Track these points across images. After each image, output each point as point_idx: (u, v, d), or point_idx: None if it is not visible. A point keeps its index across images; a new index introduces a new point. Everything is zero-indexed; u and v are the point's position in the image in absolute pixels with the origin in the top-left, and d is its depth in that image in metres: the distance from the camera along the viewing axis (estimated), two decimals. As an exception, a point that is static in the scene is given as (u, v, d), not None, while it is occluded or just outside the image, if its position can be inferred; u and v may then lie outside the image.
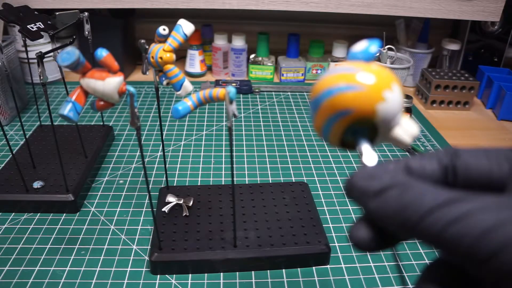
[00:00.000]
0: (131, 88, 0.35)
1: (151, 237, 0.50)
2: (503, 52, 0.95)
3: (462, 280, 0.18)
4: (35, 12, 0.54)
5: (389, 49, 0.87)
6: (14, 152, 0.60)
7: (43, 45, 0.85)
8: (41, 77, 0.47)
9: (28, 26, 0.50)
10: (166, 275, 0.46)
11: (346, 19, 1.02)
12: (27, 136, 0.60)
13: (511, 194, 0.17)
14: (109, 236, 0.50)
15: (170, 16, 0.85)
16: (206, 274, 0.46)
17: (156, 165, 0.65)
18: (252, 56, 0.97)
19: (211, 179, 0.62)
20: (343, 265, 0.47)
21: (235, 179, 0.42)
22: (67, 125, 0.69)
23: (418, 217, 0.16)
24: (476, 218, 0.14)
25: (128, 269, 0.46)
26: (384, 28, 0.91)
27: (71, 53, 0.31)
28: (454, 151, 0.19)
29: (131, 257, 0.48)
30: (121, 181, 0.61)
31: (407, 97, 0.76)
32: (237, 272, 0.46)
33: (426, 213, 0.15)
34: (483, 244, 0.14)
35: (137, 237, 0.51)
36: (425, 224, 0.15)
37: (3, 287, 0.43)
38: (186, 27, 0.41)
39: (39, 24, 0.52)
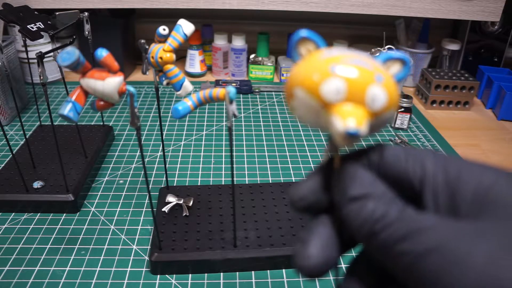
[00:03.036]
0: (131, 88, 0.35)
1: (151, 237, 0.50)
2: (503, 52, 0.95)
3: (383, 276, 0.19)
4: (35, 12, 0.54)
5: (389, 49, 0.87)
6: (14, 152, 0.60)
7: (43, 45, 0.85)
8: (41, 77, 0.47)
9: (28, 26, 0.50)
10: (166, 275, 0.46)
11: (346, 19, 1.02)
12: (27, 136, 0.60)
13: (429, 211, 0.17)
14: (109, 236, 0.50)
15: (170, 16, 0.85)
16: (206, 274, 0.46)
17: (156, 165, 0.65)
18: (252, 56, 0.97)
19: (211, 179, 0.62)
20: (343, 265, 0.47)
21: (235, 179, 0.42)
22: (67, 125, 0.69)
23: (372, 231, 0.17)
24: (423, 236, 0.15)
25: (128, 269, 0.46)
26: (384, 28, 0.91)
27: (71, 53, 0.31)
28: (380, 149, 0.19)
29: (131, 257, 0.48)
30: (121, 181, 0.61)
31: (407, 97, 0.76)
32: (237, 272, 0.46)
33: (383, 229, 0.16)
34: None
35: (137, 237, 0.51)
36: (378, 239, 0.16)
37: (3, 287, 0.43)
38: (186, 27, 0.41)
39: (39, 24, 0.52)
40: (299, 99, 0.18)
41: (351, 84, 0.17)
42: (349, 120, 0.17)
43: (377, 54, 0.85)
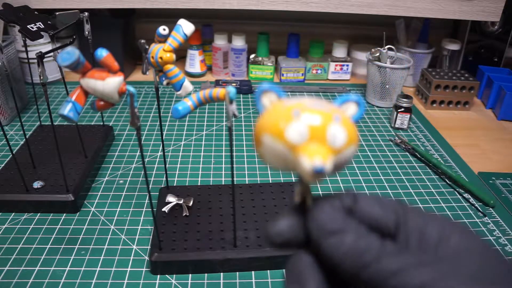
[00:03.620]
0: (131, 88, 0.35)
1: (151, 237, 0.50)
2: (503, 52, 0.95)
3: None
4: (35, 12, 0.54)
5: (389, 49, 0.87)
6: (14, 152, 0.60)
7: (43, 45, 0.85)
8: (41, 77, 0.47)
9: (28, 26, 0.50)
10: (166, 275, 0.46)
11: (346, 19, 1.02)
12: (27, 136, 0.60)
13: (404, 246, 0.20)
14: (109, 236, 0.50)
15: (170, 16, 0.85)
16: (206, 274, 0.46)
17: (156, 165, 0.65)
18: (252, 56, 0.97)
19: (211, 179, 0.62)
20: None
21: (235, 179, 0.42)
22: (67, 125, 0.69)
23: (364, 265, 0.18)
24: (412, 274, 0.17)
25: (128, 269, 0.46)
26: (384, 28, 0.91)
27: (71, 53, 0.31)
28: (353, 196, 0.21)
29: (131, 257, 0.48)
30: (121, 181, 0.61)
31: (407, 97, 0.76)
32: (237, 272, 0.46)
33: (372, 262, 0.18)
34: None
35: (137, 237, 0.51)
36: (370, 271, 0.18)
37: (3, 287, 0.43)
38: (186, 27, 0.41)
39: (39, 24, 0.52)
40: (267, 145, 0.20)
41: (313, 126, 0.19)
42: (315, 157, 0.18)
43: (377, 54, 0.85)
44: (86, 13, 0.55)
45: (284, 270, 0.21)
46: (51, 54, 0.49)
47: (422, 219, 0.20)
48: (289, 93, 0.91)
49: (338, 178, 0.63)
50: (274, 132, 0.20)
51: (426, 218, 0.21)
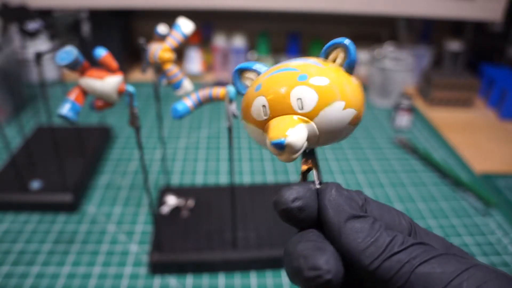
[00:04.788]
0: (131, 88, 0.35)
1: (151, 237, 0.49)
2: (505, 51, 0.94)
3: None
4: (34, 12, 0.54)
5: (390, 48, 0.87)
6: (13, 152, 0.60)
7: (42, 44, 0.85)
8: (40, 77, 0.46)
9: (26, 26, 0.50)
10: (166, 275, 0.45)
11: (347, 18, 1.02)
12: (26, 137, 0.60)
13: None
14: (109, 236, 0.50)
15: (170, 16, 0.85)
16: (206, 274, 0.46)
17: (156, 165, 0.64)
18: (251, 55, 0.97)
19: (211, 179, 0.62)
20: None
21: (235, 179, 0.42)
22: (66, 125, 0.69)
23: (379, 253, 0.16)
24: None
25: (128, 269, 0.46)
26: (385, 27, 0.91)
27: (70, 52, 0.31)
28: (364, 197, 0.19)
29: (131, 257, 0.47)
30: (121, 181, 0.60)
31: (408, 96, 0.76)
32: (237, 272, 0.46)
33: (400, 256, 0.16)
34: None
35: (137, 237, 0.50)
36: (394, 259, 0.16)
37: (3, 287, 0.43)
38: (185, 26, 0.41)
39: (38, 23, 0.52)
40: (247, 129, 0.19)
41: (272, 97, 0.17)
42: (273, 133, 0.16)
43: (378, 53, 0.85)
44: (86, 13, 0.55)
45: (284, 253, 0.18)
46: (50, 53, 0.49)
47: (427, 237, 0.19)
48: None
49: (338, 177, 0.62)
50: (244, 115, 0.18)
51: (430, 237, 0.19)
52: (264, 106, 0.17)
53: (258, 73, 0.19)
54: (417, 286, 0.16)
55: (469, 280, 0.15)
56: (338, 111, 0.17)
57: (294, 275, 0.17)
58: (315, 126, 0.17)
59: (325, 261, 0.16)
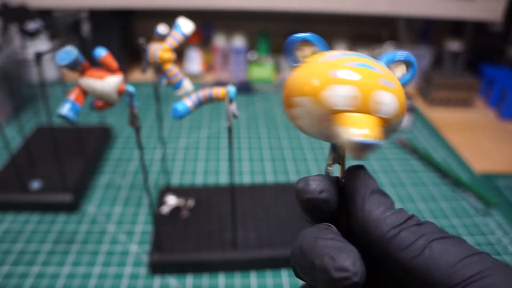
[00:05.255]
0: (131, 88, 0.35)
1: (151, 237, 0.49)
2: (505, 51, 0.95)
3: None
4: (34, 12, 0.54)
5: (390, 48, 0.87)
6: (13, 152, 0.60)
7: (42, 44, 0.85)
8: (40, 77, 0.46)
9: (26, 26, 0.50)
10: (166, 275, 0.45)
11: (347, 18, 1.02)
12: (26, 137, 0.60)
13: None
14: (109, 236, 0.50)
15: (170, 16, 0.85)
16: (206, 274, 0.46)
17: (156, 165, 0.64)
18: (251, 55, 0.97)
19: (211, 179, 0.62)
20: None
21: (235, 179, 0.42)
22: (66, 125, 0.69)
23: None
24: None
25: (128, 269, 0.46)
26: (385, 27, 0.91)
27: (70, 52, 0.31)
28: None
29: (131, 257, 0.47)
30: (121, 181, 0.60)
31: (408, 96, 0.76)
32: (237, 272, 0.46)
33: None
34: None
35: (137, 237, 0.50)
36: (411, 230, 0.17)
37: (3, 287, 0.43)
38: (185, 26, 0.41)
39: (38, 23, 0.52)
40: (302, 108, 0.17)
41: (364, 91, 0.16)
42: (362, 129, 0.16)
43: (378, 53, 0.85)
44: (86, 13, 0.55)
45: (298, 248, 0.18)
46: (50, 53, 0.49)
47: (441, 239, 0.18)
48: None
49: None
50: (312, 93, 0.17)
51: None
52: (351, 96, 0.16)
53: (317, 49, 0.18)
54: (430, 259, 0.16)
55: (482, 262, 0.16)
56: (400, 122, 0.18)
57: (311, 272, 0.17)
58: (384, 130, 0.17)
59: (352, 262, 0.16)
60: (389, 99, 0.16)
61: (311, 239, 0.17)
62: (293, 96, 0.17)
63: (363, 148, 0.16)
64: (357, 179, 0.18)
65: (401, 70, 0.19)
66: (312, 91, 0.17)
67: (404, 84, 0.18)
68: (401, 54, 0.18)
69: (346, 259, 0.16)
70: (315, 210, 0.18)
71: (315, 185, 0.18)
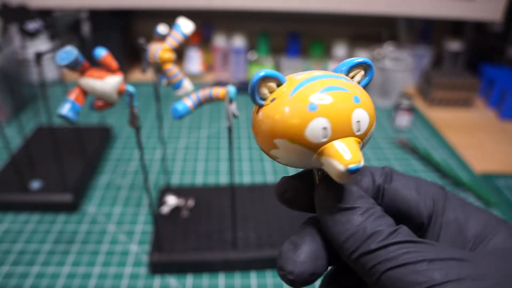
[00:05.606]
0: (131, 88, 0.35)
1: (151, 237, 0.49)
2: (505, 51, 0.95)
3: None
4: (34, 12, 0.54)
5: (390, 48, 0.87)
6: (13, 152, 0.60)
7: (42, 44, 0.85)
8: (40, 77, 0.46)
9: (26, 26, 0.50)
10: (166, 275, 0.45)
11: (347, 18, 1.02)
12: (26, 137, 0.60)
13: (434, 241, 0.17)
14: (109, 236, 0.50)
15: (170, 16, 0.85)
16: (206, 274, 0.46)
17: (156, 165, 0.65)
18: (251, 55, 0.97)
19: (211, 179, 0.62)
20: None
21: (235, 179, 0.42)
22: (66, 125, 0.69)
23: (357, 247, 0.17)
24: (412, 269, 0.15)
25: (128, 269, 0.46)
26: (385, 27, 0.91)
27: (70, 52, 0.31)
28: (389, 172, 0.20)
29: (131, 257, 0.47)
30: (121, 181, 0.60)
31: (408, 96, 0.76)
32: (237, 272, 0.46)
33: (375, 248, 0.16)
34: None
35: (137, 237, 0.50)
36: (369, 257, 0.16)
37: (3, 287, 0.43)
38: (185, 26, 0.41)
39: (38, 23, 0.52)
40: (282, 149, 0.17)
41: (335, 119, 0.16)
42: (349, 158, 0.16)
43: (378, 53, 0.85)
44: (86, 13, 0.55)
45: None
46: (50, 53, 0.49)
47: (464, 211, 0.18)
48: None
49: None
50: (291, 135, 0.17)
51: (470, 211, 0.18)
52: (325, 128, 0.16)
53: (280, 82, 0.18)
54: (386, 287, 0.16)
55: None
56: (373, 129, 0.18)
57: None
58: (361, 146, 0.17)
59: (292, 261, 0.17)
60: (364, 115, 0.17)
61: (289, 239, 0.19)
62: (270, 139, 0.17)
63: (351, 174, 0.16)
64: (316, 203, 0.19)
65: (360, 74, 0.19)
66: (293, 132, 0.16)
67: (364, 86, 0.19)
68: (358, 59, 0.19)
69: (288, 258, 0.18)
70: (290, 206, 0.21)
71: (278, 189, 0.20)
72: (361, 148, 0.17)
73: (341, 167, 0.16)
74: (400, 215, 0.19)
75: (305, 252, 0.18)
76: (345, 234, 0.17)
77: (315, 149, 0.17)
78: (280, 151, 0.17)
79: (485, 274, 0.15)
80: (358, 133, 0.17)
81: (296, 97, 0.17)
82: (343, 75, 0.18)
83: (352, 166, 0.16)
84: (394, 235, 0.16)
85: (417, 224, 0.19)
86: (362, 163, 0.16)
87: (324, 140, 0.16)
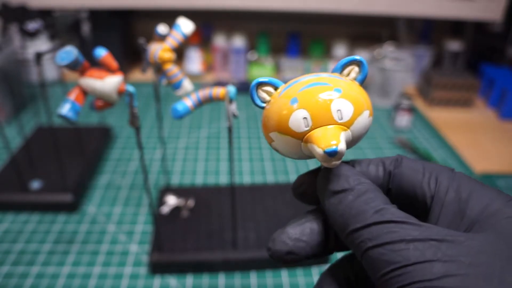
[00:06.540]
0: (131, 88, 0.35)
1: (151, 237, 0.49)
2: (505, 51, 0.95)
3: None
4: (34, 12, 0.54)
5: (390, 48, 0.87)
6: (13, 152, 0.60)
7: (42, 44, 0.85)
8: (40, 77, 0.46)
9: (26, 26, 0.50)
10: (166, 275, 0.45)
11: (347, 18, 1.02)
12: (26, 137, 0.60)
13: (431, 224, 0.17)
14: (109, 236, 0.50)
15: (170, 16, 0.85)
16: (206, 274, 0.46)
17: (156, 165, 0.65)
18: (251, 55, 0.97)
19: (211, 179, 0.62)
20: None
21: (235, 179, 0.42)
22: (66, 125, 0.69)
23: (353, 228, 0.17)
24: (405, 251, 0.15)
25: (128, 269, 0.46)
26: (385, 27, 0.91)
27: (70, 52, 0.31)
28: (399, 159, 0.20)
29: (131, 257, 0.47)
30: (121, 181, 0.60)
31: (408, 96, 0.76)
32: (237, 272, 0.46)
33: (362, 226, 0.17)
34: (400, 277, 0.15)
35: (137, 237, 0.50)
36: (355, 236, 0.17)
37: (3, 287, 0.43)
38: (185, 26, 0.41)
39: (38, 23, 0.52)
40: (276, 140, 0.20)
41: (313, 109, 0.18)
42: (325, 141, 0.18)
43: (378, 53, 0.85)
44: (86, 13, 0.55)
45: None
46: (50, 53, 0.49)
47: (469, 191, 0.17)
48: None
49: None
50: (279, 128, 0.19)
51: (475, 190, 0.17)
52: (305, 118, 0.19)
53: (275, 87, 0.21)
54: (366, 266, 0.17)
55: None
56: (365, 118, 0.19)
57: None
58: (350, 133, 0.19)
59: (272, 239, 0.21)
60: (345, 104, 0.19)
61: None
62: (268, 133, 0.20)
63: (331, 157, 0.18)
64: (317, 187, 0.21)
65: (354, 71, 0.21)
66: (280, 125, 0.19)
67: (360, 82, 0.21)
68: (352, 57, 0.21)
69: (273, 239, 0.21)
70: (303, 199, 0.22)
71: (293, 184, 0.22)
72: (353, 136, 0.19)
73: (319, 150, 0.18)
74: (409, 198, 0.19)
75: (287, 233, 0.21)
76: (336, 214, 0.18)
77: (300, 137, 0.19)
78: (276, 143, 0.21)
79: (467, 255, 0.15)
80: (341, 121, 0.19)
81: (283, 96, 0.20)
82: (336, 74, 0.21)
83: (328, 148, 0.18)
84: (378, 215, 0.17)
85: (422, 206, 0.19)
86: (341, 146, 0.18)
87: (307, 129, 0.19)
